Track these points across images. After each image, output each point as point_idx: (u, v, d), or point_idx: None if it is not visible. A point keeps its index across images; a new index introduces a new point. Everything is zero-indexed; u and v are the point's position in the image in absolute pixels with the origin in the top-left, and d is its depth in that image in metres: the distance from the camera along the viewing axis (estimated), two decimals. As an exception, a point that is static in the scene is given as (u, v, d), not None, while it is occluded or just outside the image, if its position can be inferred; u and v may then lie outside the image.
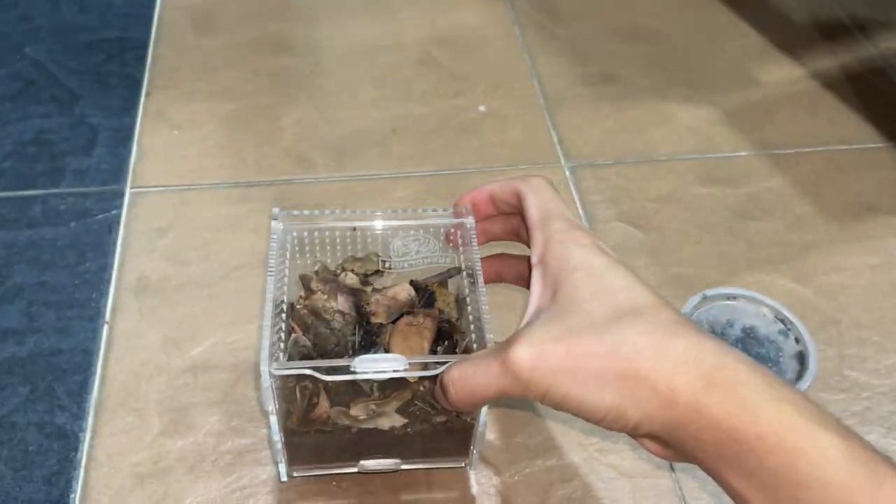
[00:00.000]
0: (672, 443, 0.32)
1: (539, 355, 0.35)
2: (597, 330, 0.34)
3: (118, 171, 0.81)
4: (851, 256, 0.77)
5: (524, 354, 0.35)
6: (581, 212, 0.80)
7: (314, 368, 0.52)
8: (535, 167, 0.84)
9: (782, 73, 0.98)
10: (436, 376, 0.52)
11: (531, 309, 0.41)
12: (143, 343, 0.67)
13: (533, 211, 0.46)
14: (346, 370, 0.51)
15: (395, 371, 0.51)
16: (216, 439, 0.61)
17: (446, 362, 0.51)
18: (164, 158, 0.83)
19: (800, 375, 0.61)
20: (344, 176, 0.82)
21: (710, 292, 0.66)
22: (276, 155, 0.84)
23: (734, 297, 0.66)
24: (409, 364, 0.52)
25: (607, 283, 0.36)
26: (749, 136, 0.89)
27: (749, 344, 0.65)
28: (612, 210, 0.81)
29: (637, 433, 0.35)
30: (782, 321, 0.65)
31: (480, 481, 0.59)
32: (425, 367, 0.52)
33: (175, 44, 0.98)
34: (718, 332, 0.66)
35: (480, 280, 0.56)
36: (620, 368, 0.32)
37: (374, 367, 0.51)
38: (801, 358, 0.62)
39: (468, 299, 0.57)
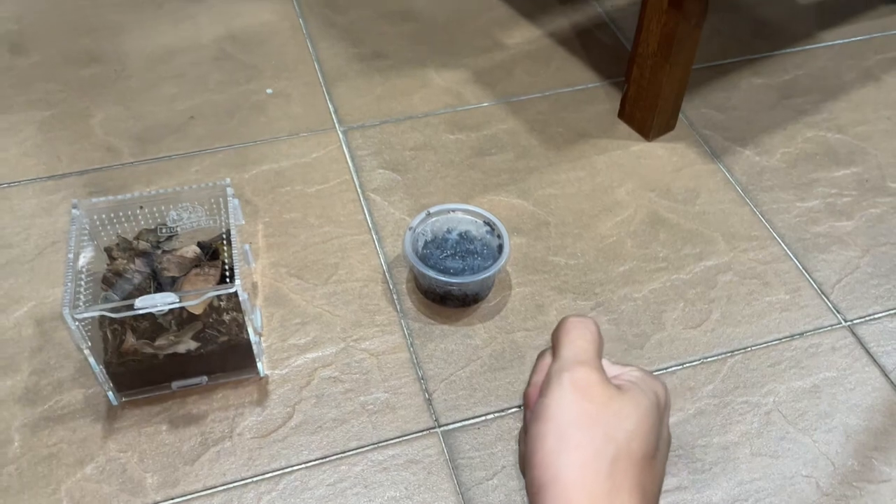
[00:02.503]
0: None
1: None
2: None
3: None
4: (563, 174, 0.97)
5: (581, 380, 0.34)
6: (351, 164, 0.97)
7: (104, 309, 0.67)
8: (314, 133, 1.01)
9: (524, 36, 1.17)
10: (209, 301, 0.68)
11: None
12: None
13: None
14: (130, 308, 0.67)
15: (168, 303, 0.67)
16: (38, 377, 0.75)
17: (209, 290, 0.67)
18: (-13, 164, 0.96)
19: (497, 258, 0.80)
20: (147, 159, 0.97)
21: (433, 209, 0.84)
22: (87, 149, 0.98)
23: (453, 211, 0.84)
24: (181, 297, 0.67)
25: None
26: (492, 89, 1.08)
27: (463, 243, 0.83)
28: (377, 160, 0.98)
29: None
30: (489, 224, 0.83)
31: (268, 380, 0.75)
32: (199, 296, 0.68)
33: (-7, 65, 1.10)
34: (441, 237, 0.84)
35: (234, 240, 0.72)
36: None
37: (151, 302, 0.67)
38: (500, 248, 0.81)
39: (224, 253, 0.73)
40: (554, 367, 0.35)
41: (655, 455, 0.34)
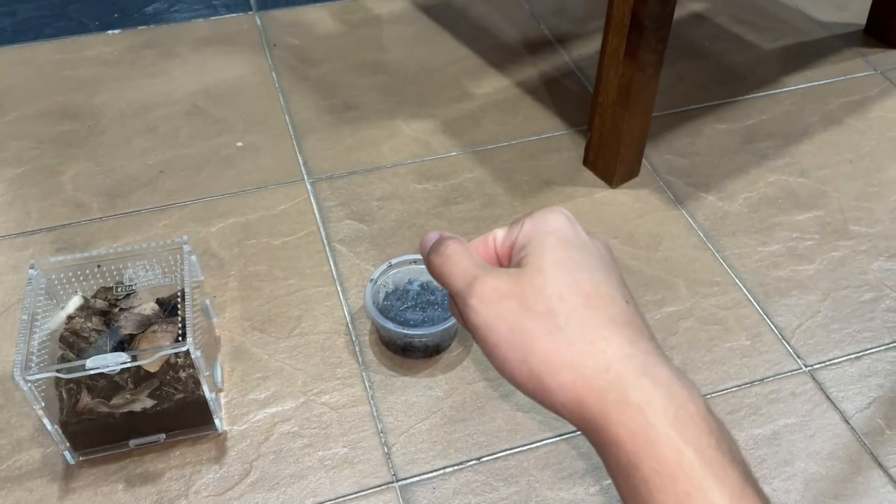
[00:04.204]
0: (581, 430, 0.32)
1: (495, 300, 0.33)
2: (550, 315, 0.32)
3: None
4: (527, 221, 0.98)
5: (484, 292, 0.33)
6: (318, 216, 0.98)
7: (58, 370, 0.67)
8: (282, 185, 1.02)
9: (492, 86, 1.19)
10: (165, 358, 0.69)
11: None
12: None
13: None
14: (82, 368, 0.67)
15: (119, 363, 0.67)
16: (-2, 435, 0.75)
17: (161, 349, 0.67)
18: (-42, 221, 0.97)
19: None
20: (116, 214, 0.98)
21: (394, 260, 0.85)
22: (57, 205, 0.99)
23: (415, 262, 0.85)
24: (134, 355, 0.68)
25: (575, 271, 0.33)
26: (460, 139, 1.10)
27: (424, 294, 0.84)
28: (344, 211, 0.99)
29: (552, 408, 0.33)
30: (449, 274, 0.84)
31: (226, 436, 0.75)
32: (152, 355, 0.69)
33: (-31, 123, 1.11)
34: (402, 289, 0.85)
35: (188, 298, 0.72)
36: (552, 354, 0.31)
37: (102, 362, 0.67)
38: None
39: (178, 308, 0.73)
40: (458, 303, 0.34)
41: (609, 279, 0.34)
